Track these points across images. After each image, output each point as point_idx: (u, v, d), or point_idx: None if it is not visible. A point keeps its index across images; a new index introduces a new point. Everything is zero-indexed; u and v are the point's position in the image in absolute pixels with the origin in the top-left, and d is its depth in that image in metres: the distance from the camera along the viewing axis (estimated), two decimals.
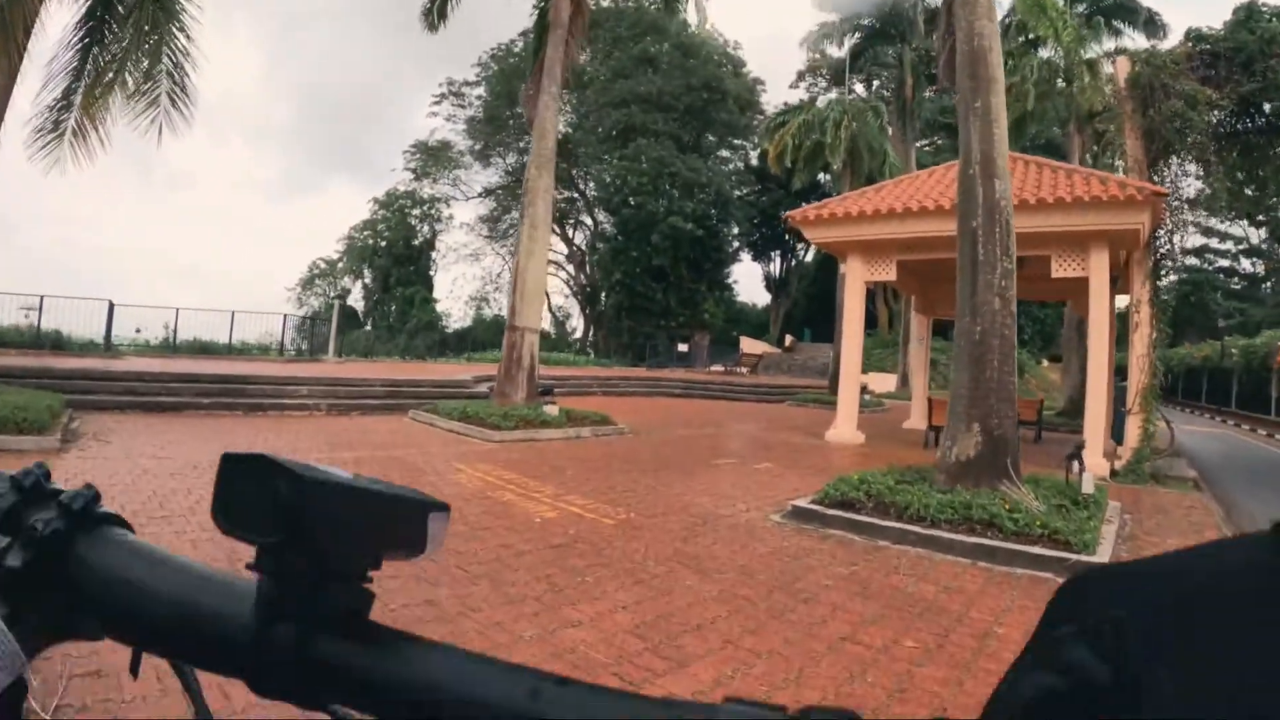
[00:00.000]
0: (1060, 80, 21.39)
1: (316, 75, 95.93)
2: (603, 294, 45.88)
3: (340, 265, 54.80)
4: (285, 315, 23.10)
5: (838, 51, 33.69)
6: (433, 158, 47.39)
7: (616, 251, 41.83)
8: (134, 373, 12.84)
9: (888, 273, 13.31)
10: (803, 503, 6.66)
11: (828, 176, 43.15)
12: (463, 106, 46.51)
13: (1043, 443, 14.12)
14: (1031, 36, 21.23)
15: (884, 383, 29.74)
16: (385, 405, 13.98)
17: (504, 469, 8.47)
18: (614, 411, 16.50)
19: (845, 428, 13.34)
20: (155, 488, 6.38)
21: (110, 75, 9.73)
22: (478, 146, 46.55)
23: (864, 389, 28.03)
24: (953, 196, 12.19)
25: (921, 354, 17.67)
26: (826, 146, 22.22)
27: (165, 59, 10.23)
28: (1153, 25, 24.16)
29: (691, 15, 43.08)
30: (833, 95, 29.96)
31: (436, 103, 47.00)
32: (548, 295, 57.82)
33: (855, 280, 13.53)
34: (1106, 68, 20.59)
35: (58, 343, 18.10)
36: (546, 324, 57.39)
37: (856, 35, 29.43)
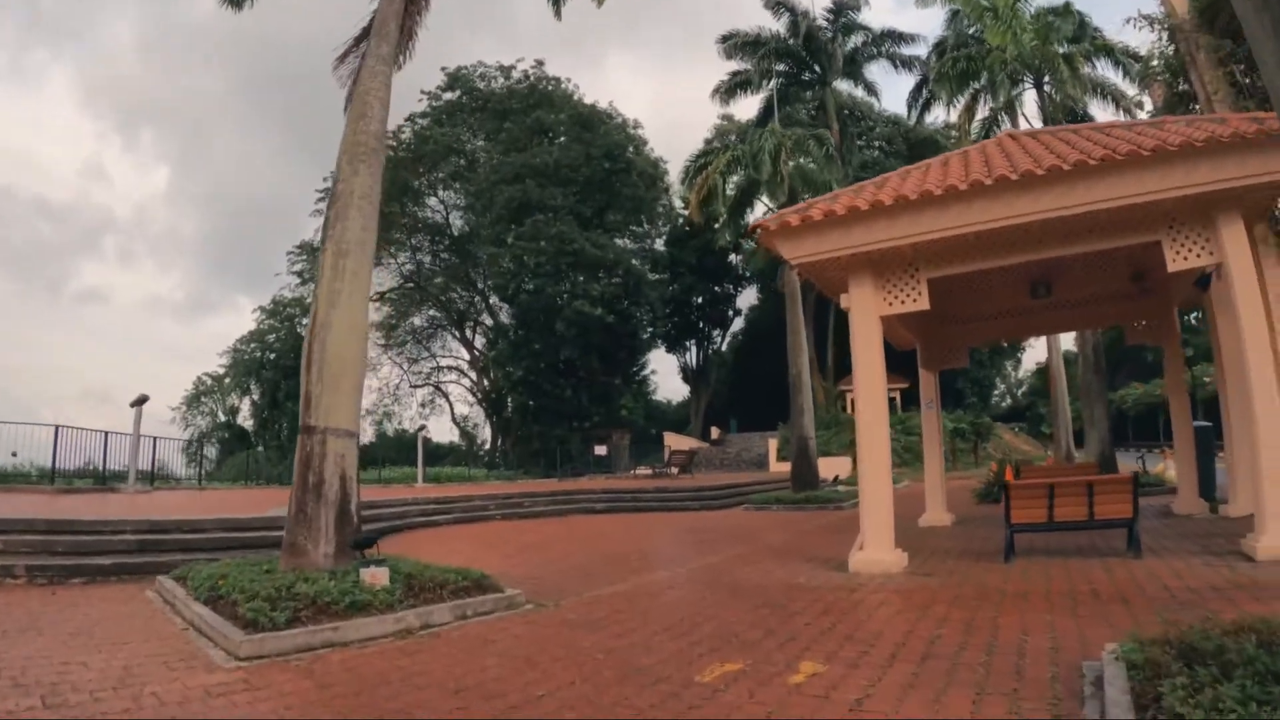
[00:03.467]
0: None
1: (220, 185, 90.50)
2: (507, 397, 40.30)
3: (227, 381, 49.71)
4: (57, 427, 16.76)
5: (750, 109, 30.58)
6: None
7: (517, 345, 36.56)
8: None
9: (914, 299, 8.54)
10: None
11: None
12: None
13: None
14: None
15: (836, 467, 26.28)
16: (128, 566, 7.99)
17: None
18: (515, 547, 11.12)
19: (879, 550, 8.15)
20: None
21: None
22: None
23: (835, 479, 23.34)
24: (1003, 169, 7.81)
25: (933, 423, 12.81)
26: (763, 184, 17.91)
27: None
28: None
29: (587, 94, 39.97)
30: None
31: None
32: (449, 402, 51.57)
33: (866, 317, 8.65)
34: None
35: None
36: (453, 435, 51.04)
37: (773, 82, 25.96)
